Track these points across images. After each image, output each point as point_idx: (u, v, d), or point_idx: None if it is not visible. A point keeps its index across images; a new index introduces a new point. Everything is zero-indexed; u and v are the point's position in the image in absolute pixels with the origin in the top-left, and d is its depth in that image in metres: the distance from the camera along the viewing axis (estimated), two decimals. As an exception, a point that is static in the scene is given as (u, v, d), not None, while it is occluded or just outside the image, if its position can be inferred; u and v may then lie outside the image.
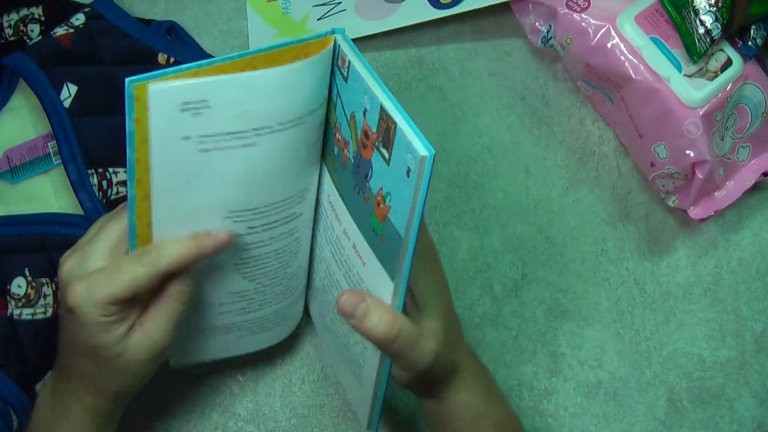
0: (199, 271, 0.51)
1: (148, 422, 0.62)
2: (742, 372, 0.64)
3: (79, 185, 0.59)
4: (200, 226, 0.49)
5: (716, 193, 0.63)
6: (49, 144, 0.61)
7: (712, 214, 0.62)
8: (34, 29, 0.63)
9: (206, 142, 0.46)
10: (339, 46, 0.48)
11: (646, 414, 0.63)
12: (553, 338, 0.64)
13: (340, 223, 0.52)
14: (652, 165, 0.62)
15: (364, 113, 0.47)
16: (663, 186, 0.63)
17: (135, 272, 0.46)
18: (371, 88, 0.45)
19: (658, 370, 0.64)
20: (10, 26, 0.63)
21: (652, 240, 0.66)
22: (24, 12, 0.63)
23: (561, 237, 0.65)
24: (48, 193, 0.61)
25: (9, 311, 0.58)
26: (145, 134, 0.45)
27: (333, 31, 0.49)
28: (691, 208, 0.62)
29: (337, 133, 0.50)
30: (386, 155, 0.45)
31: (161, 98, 0.44)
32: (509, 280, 0.65)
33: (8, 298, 0.58)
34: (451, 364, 0.52)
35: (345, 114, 0.49)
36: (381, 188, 0.47)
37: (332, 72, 0.49)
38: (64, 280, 0.47)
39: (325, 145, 0.53)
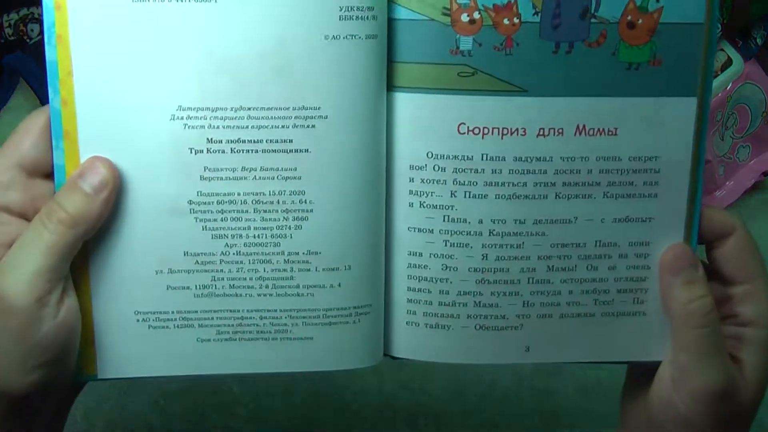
0: (128, 203, 0.37)
1: (148, 422, 0.62)
2: (742, 372, 0.64)
3: (79, 185, 0.58)
4: (138, 121, 0.36)
5: (716, 193, 0.63)
6: (49, 144, 0.61)
7: (712, 214, 0.62)
8: (34, 29, 0.63)
9: None
10: None
11: (646, 414, 0.63)
12: None
13: (524, 133, 0.38)
14: (652, 165, 0.62)
15: None
16: (663, 186, 0.63)
17: (15, 131, 0.36)
18: None
19: (658, 370, 0.64)
20: (10, 26, 0.63)
21: (652, 240, 0.66)
22: (24, 12, 0.63)
23: (561, 237, 0.65)
24: (48, 193, 0.61)
25: None
26: None
27: None
28: (691, 208, 0.62)
29: (464, 15, 0.36)
30: None
31: None
32: (509, 280, 0.65)
33: None
34: None
35: None
36: (630, 1, 0.37)
37: None
38: None
39: (418, 60, 0.37)
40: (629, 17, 0.37)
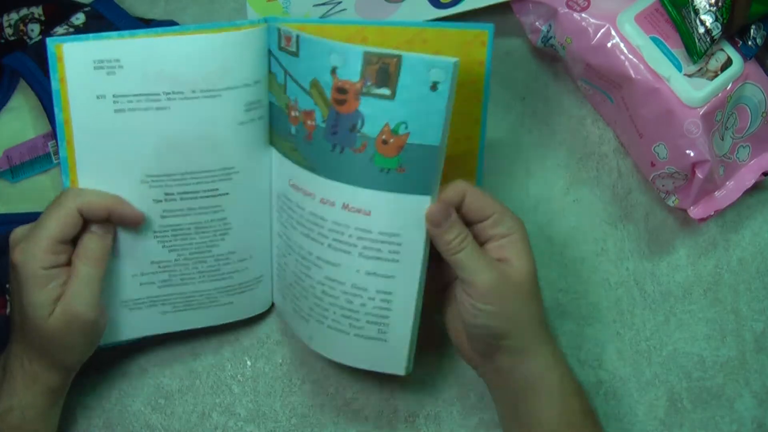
0: (118, 235, 0.54)
1: (148, 422, 0.62)
2: (742, 372, 0.64)
3: (79, 185, 0.59)
4: (120, 189, 0.52)
5: (716, 193, 0.63)
6: (49, 143, 0.61)
7: (712, 214, 0.62)
8: (34, 29, 0.63)
9: (120, 101, 0.50)
10: (279, 30, 0.51)
11: (646, 414, 0.63)
12: (553, 338, 0.64)
13: (314, 197, 0.53)
14: (652, 165, 0.62)
15: (333, 72, 0.49)
16: (663, 186, 0.63)
17: (58, 213, 0.50)
18: (343, 45, 0.48)
19: (658, 370, 0.64)
20: (10, 26, 0.63)
21: (652, 240, 0.66)
22: (24, 12, 0.63)
23: (561, 237, 0.65)
24: (48, 192, 0.61)
25: (8, 311, 0.58)
26: (67, 94, 0.50)
27: (266, 20, 0.52)
28: (691, 208, 0.62)
29: (293, 112, 0.52)
30: (387, 92, 0.48)
31: (75, 55, 0.49)
32: (509, 280, 0.64)
33: (7, 298, 0.58)
34: (507, 325, 0.52)
35: (302, 86, 0.51)
36: (386, 125, 0.49)
37: (274, 57, 0.52)
38: (13, 242, 0.51)
39: (276, 132, 0.55)
40: (384, 136, 0.49)
